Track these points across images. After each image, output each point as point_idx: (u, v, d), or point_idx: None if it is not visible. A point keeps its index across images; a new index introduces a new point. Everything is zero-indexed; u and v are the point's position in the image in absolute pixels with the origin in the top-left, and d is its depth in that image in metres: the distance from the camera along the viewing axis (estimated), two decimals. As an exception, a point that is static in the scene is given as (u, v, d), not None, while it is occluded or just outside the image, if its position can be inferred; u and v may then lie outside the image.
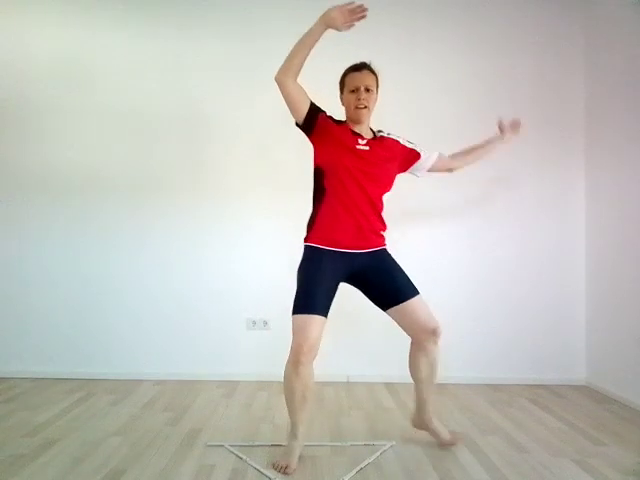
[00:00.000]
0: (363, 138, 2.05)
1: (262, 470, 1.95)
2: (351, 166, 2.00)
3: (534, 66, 3.28)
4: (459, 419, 2.55)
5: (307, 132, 2.04)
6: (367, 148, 2.04)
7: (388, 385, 3.12)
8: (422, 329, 2.05)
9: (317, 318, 1.93)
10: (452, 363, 3.22)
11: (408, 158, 2.18)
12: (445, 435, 2.18)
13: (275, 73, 1.94)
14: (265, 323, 3.23)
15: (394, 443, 2.22)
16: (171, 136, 3.28)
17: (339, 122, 2.09)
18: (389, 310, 2.08)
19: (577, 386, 3.17)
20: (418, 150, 2.21)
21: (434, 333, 2.05)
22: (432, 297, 3.21)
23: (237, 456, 2.07)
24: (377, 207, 2.09)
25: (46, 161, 3.27)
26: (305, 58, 1.94)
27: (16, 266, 3.27)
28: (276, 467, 1.96)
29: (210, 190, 3.26)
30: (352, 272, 2.06)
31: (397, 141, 2.16)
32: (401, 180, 3.22)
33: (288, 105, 1.98)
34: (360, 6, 1.90)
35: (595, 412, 2.69)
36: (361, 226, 2.02)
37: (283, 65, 1.94)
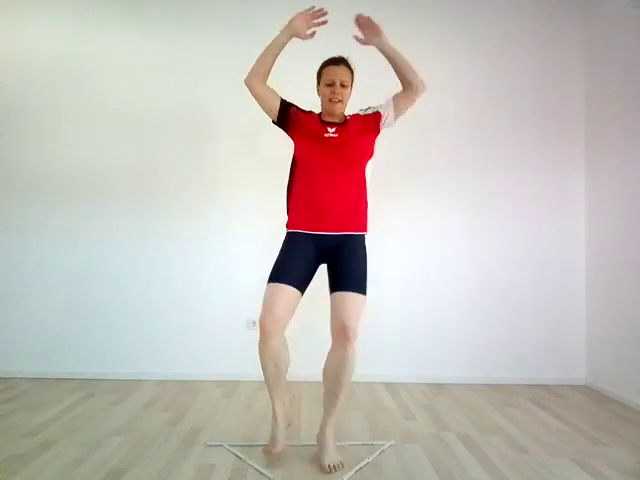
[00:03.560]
0: (332, 126, 2.09)
1: (262, 470, 1.95)
2: (321, 153, 2.06)
3: (534, 66, 3.28)
4: (459, 419, 2.55)
5: (283, 127, 2.13)
6: (335, 135, 2.08)
7: (388, 385, 3.12)
8: (336, 324, 1.92)
9: (283, 287, 1.96)
10: (452, 363, 3.24)
11: (373, 123, 2.17)
12: (325, 460, 1.98)
13: (245, 77, 2.04)
14: (265, 323, 3.23)
15: (393, 443, 2.22)
16: (171, 136, 3.28)
17: (310, 113, 2.15)
18: (330, 295, 2.02)
19: (577, 386, 3.17)
20: (376, 110, 2.18)
21: (343, 332, 1.89)
22: (433, 298, 3.28)
23: (237, 456, 2.07)
24: (352, 190, 2.09)
25: (45, 161, 3.27)
26: (272, 64, 2.06)
27: (16, 266, 3.27)
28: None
29: (210, 190, 3.26)
30: (322, 252, 2.07)
31: (357, 115, 2.17)
32: (402, 181, 3.27)
33: (260, 106, 2.09)
34: (320, 9, 2.03)
35: (595, 412, 2.69)
36: (329, 210, 2.05)
37: (251, 70, 2.05)
